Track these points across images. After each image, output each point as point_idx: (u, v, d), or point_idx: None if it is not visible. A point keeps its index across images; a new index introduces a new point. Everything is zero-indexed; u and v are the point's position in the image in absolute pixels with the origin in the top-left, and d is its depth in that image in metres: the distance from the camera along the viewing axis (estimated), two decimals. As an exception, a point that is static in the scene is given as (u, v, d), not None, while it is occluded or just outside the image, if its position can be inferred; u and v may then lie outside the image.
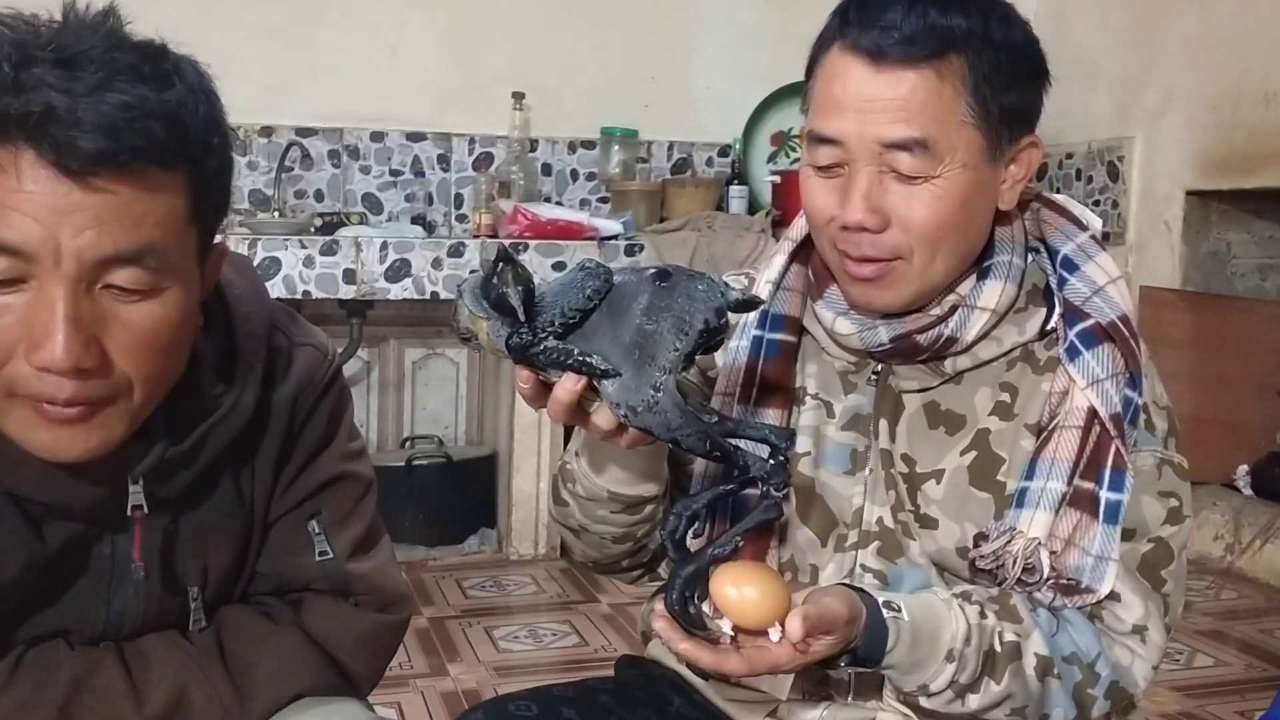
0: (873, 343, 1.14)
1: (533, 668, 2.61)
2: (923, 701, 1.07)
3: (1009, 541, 1.08)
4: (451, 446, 3.69)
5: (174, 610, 1.08)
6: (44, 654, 1.03)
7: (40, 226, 0.86)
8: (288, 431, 1.10)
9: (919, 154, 1.06)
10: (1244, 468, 3.48)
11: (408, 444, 3.69)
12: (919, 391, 1.16)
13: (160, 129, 0.88)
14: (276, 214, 3.54)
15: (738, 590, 0.95)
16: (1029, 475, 1.11)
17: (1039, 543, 1.08)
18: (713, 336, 0.95)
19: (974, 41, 1.07)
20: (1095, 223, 1.20)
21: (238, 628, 1.10)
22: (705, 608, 0.97)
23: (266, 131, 3.62)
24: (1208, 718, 2.42)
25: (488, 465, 3.58)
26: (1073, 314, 1.14)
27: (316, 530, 1.11)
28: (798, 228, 1.24)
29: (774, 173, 3.82)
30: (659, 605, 0.98)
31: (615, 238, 3.39)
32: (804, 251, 1.23)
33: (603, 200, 3.89)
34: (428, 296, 3.16)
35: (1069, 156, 3.94)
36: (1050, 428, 1.11)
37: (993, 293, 1.13)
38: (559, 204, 3.77)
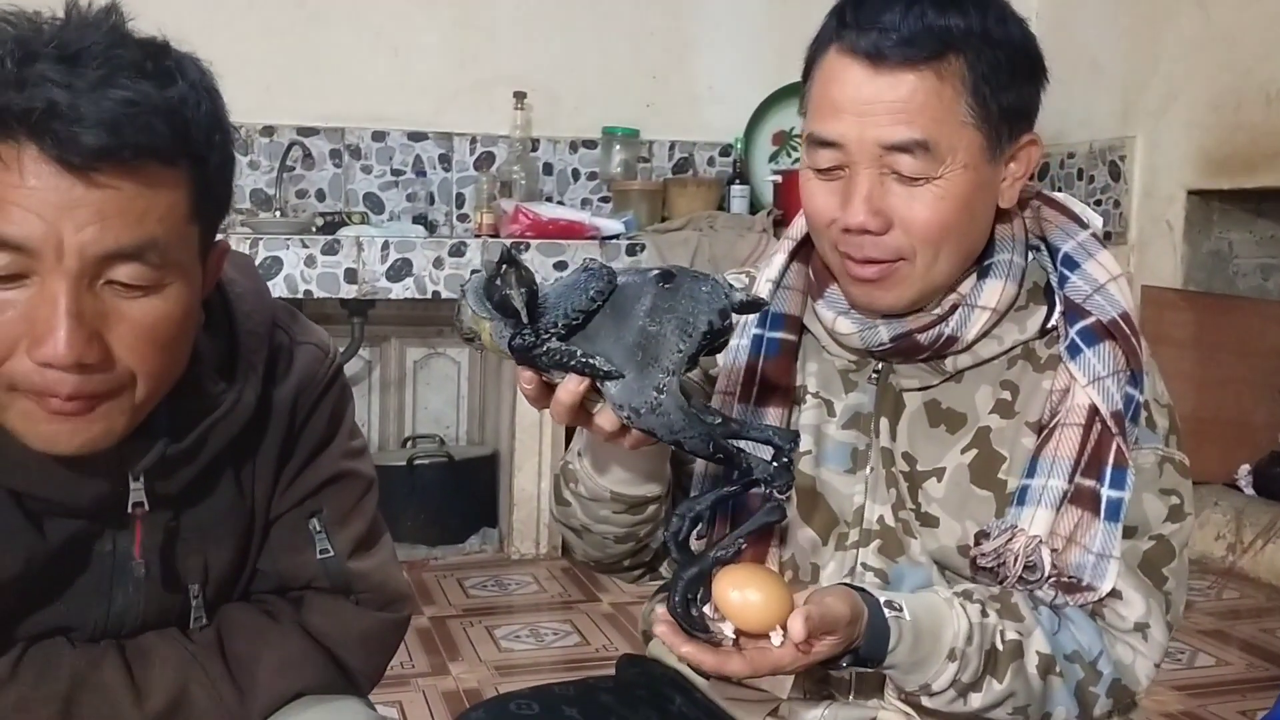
0: (873, 342, 1.14)
1: (534, 667, 2.61)
2: (925, 701, 1.07)
3: (1010, 539, 1.08)
4: (453, 446, 3.69)
5: (175, 608, 1.08)
6: (45, 651, 1.03)
7: (43, 222, 0.86)
8: (289, 429, 1.10)
9: (920, 156, 1.06)
10: (1246, 467, 3.49)
11: (409, 443, 3.69)
12: (920, 390, 1.16)
13: (162, 125, 0.88)
14: (278, 213, 3.54)
15: (740, 594, 0.95)
16: (1030, 473, 1.10)
17: (1040, 541, 1.08)
18: (716, 338, 0.95)
19: (973, 41, 1.07)
20: (1096, 220, 1.19)
21: (239, 625, 1.10)
22: (707, 610, 0.97)
23: (268, 131, 3.62)
24: (1209, 717, 2.42)
25: (489, 465, 3.58)
26: (1074, 311, 1.14)
27: (317, 528, 1.11)
28: (798, 226, 1.23)
29: (775, 172, 3.82)
30: (661, 609, 0.98)
31: (617, 237, 3.39)
32: (804, 250, 1.23)
33: (604, 200, 3.89)
34: (429, 296, 3.17)
35: (1071, 156, 3.93)
36: (1051, 425, 1.11)
37: (993, 291, 1.13)
38: (560, 203, 3.77)
